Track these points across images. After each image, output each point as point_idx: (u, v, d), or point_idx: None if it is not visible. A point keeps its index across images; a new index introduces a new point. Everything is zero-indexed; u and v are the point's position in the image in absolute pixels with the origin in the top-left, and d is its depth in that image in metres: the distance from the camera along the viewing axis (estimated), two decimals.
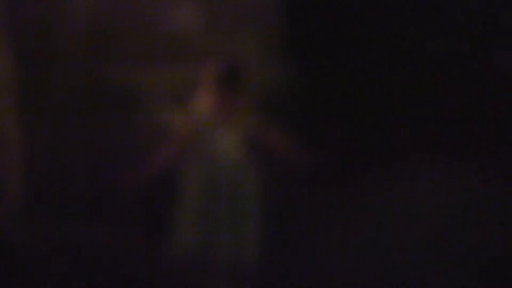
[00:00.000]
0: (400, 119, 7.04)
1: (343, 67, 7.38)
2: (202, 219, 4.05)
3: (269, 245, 4.18)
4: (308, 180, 4.35)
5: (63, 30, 7.12)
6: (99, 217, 6.47)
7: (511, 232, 5.26)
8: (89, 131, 7.17)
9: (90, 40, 7.13)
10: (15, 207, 6.16)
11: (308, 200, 4.90)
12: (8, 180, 6.19)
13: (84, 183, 7.06)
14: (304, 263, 4.62)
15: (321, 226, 4.91)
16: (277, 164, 4.25)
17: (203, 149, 4.13)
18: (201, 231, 4.07)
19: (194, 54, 6.80)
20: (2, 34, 6.24)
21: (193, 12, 6.82)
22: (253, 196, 4.08)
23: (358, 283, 4.57)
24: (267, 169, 4.24)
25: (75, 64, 7.17)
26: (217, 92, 4.15)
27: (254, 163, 4.19)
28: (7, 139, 6.20)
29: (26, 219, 6.10)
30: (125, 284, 4.92)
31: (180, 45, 6.81)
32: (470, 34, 7.28)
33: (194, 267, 4.09)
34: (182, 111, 4.30)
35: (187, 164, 4.23)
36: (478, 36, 7.29)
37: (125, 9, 6.93)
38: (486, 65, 7.19)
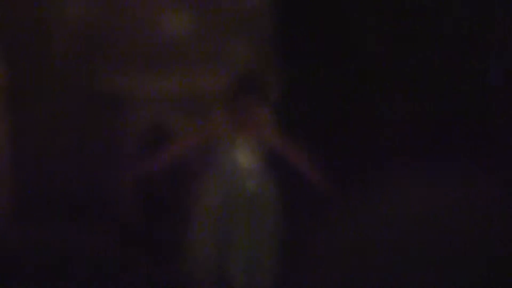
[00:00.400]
0: (391, 122, 7.10)
1: (335, 71, 7.43)
2: (217, 233, 3.90)
3: (286, 262, 4.05)
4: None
5: (56, 36, 7.08)
6: (87, 220, 6.43)
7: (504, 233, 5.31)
8: (80, 136, 7.12)
9: (82, 47, 7.10)
10: (4, 210, 6.11)
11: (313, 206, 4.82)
12: None
13: (74, 187, 7.03)
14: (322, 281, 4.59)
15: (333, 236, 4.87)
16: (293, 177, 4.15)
17: (220, 162, 4.00)
18: (217, 245, 3.92)
19: (187, 60, 6.78)
20: None
21: (186, 19, 6.81)
22: (270, 210, 3.98)
23: None
24: (283, 182, 4.13)
25: (67, 69, 7.13)
26: (237, 104, 3.96)
27: (271, 176, 4.08)
28: None
29: (14, 222, 6.05)
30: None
31: (173, 51, 6.79)
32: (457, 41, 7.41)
33: (209, 283, 3.96)
34: (201, 120, 4.18)
35: (203, 176, 4.11)
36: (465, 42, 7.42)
37: (118, 17, 6.92)
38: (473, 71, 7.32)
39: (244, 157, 3.96)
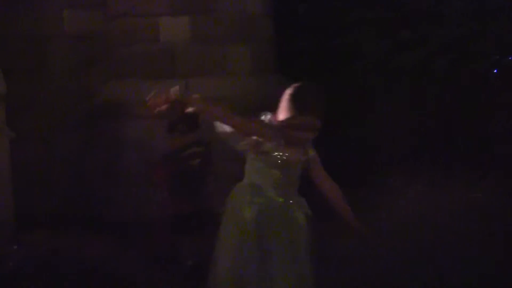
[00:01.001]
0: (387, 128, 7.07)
1: (332, 76, 7.41)
2: (253, 247, 3.57)
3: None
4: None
5: (54, 46, 7.10)
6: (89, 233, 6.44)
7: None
8: (78, 147, 7.14)
9: (80, 56, 7.12)
10: (6, 223, 6.10)
11: None
12: None
13: (75, 199, 7.06)
14: None
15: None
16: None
17: (259, 174, 3.67)
18: (252, 259, 3.58)
19: (184, 67, 6.74)
20: None
21: (182, 26, 6.80)
22: (304, 230, 3.66)
23: None
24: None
25: (65, 80, 7.15)
26: (292, 121, 3.56)
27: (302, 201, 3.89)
28: None
29: (16, 237, 6.03)
30: None
31: (169, 58, 6.77)
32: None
33: None
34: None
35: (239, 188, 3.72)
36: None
37: (115, 26, 6.95)
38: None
39: (284, 174, 3.65)
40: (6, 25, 6.92)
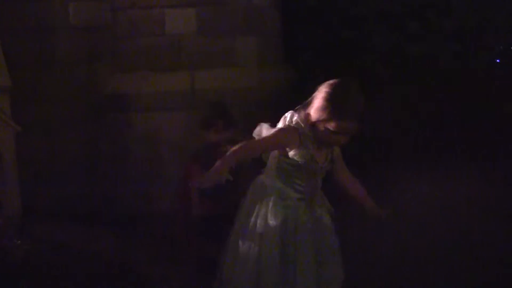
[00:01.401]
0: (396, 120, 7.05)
1: (338, 69, 7.36)
2: (280, 252, 3.35)
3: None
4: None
5: (59, 38, 7.07)
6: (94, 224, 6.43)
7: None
8: (84, 141, 7.10)
9: (85, 48, 7.08)
10: (12, 217, 6.09)
11: None
12: (4, 190, 6.11)
13: (81, 190, 7.03)
14: None
15: None
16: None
17: (284, 174, 3.42)
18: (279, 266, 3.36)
19: (190, 60, 6.68)
20: None
21: (189, 18, 6.75)
22: (329, 230, 3.48)
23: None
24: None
25: (70, 73, 7.11)
26: (330, 126, 3.25)
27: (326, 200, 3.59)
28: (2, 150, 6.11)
29: (22, 228, 6.02)
30: None
31: (175, 51, 6.70)
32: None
33: None
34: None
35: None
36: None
37: (121, 18, 6.89)
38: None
39: (310, 178, 3.43)
40: (11, 17, 6.90)
